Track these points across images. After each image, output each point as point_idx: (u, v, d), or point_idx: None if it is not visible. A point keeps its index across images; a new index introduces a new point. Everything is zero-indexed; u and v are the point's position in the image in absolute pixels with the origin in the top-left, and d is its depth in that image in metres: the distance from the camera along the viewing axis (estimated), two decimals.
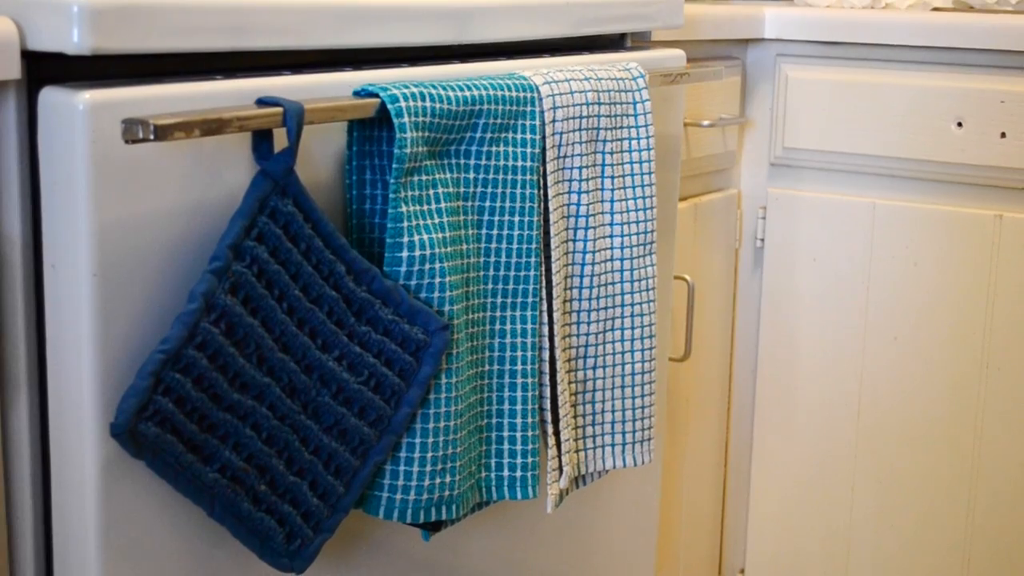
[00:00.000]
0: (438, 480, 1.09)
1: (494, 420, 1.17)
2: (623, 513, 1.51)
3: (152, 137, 0.85)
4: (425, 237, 1.06)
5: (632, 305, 1.28)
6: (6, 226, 0.91)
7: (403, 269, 1.06)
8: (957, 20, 1.65)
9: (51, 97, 0.89)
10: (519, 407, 1.17)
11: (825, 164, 1.77)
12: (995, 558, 1.72)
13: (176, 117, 0.87)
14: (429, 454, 1.08)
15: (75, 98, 0.88)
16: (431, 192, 1.09)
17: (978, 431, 1.70)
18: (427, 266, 1.07)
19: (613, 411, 1.29)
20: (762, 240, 1.82)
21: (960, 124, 1.66)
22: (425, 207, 1.08)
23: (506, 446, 1.18)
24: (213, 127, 0.90)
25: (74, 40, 0.88)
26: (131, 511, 0.95)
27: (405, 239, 1.06)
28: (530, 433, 1.17)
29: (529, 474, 1.17)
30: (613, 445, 1.29)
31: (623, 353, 1.28)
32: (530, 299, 1.18)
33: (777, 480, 1.85)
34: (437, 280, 1.07)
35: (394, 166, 1.05)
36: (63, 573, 0.96)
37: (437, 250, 1.07)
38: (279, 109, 0.95)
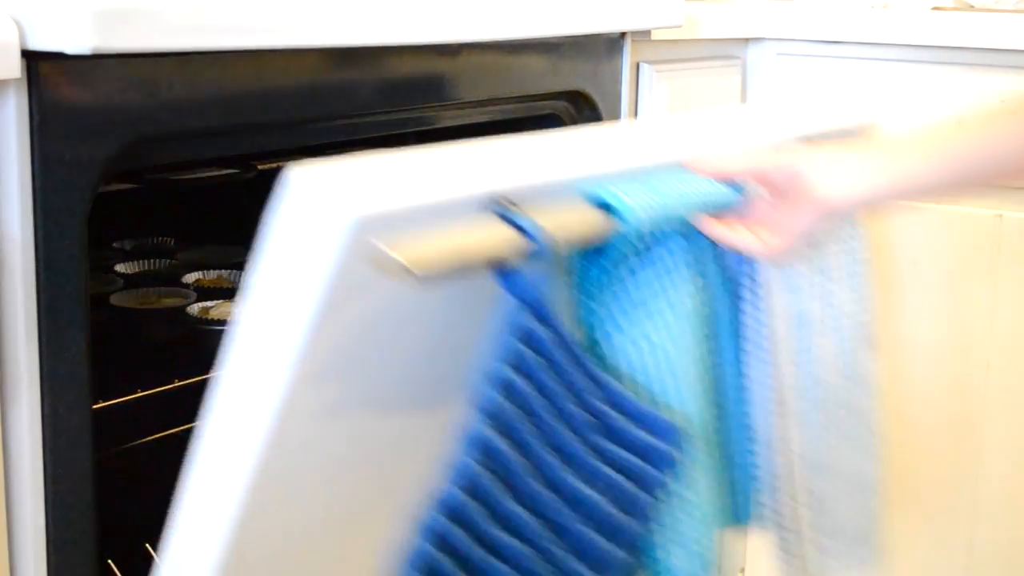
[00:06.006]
0: (704, 546, 1.05)
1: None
2: None
3: (409, 282, 0.79)
4: (644, 344, 1.00)
5: (854, 402, 1.20)
6: (6, 226, 0.91)
7: (632, 372, 0.99)
8: (957, 19, 1.65)
9: (302, 188, 0.80)
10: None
11: None
12: (996, 558, 1.71)
13: (432, 262, 0.80)
14: (701, 524, 1.04)
15: (333, 204, 0.79)
16: (651, 295, 1.02)
17: (979, 431, 1.70)
18: (650, 372, 1.00)
19: (840, 515, 1.21)
20: None
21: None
22: (641, 310, 1.01)
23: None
24: (469, 266, 0.83)
25: (74, 40, 0.88)
26: None
27: (617, 339, 0.99)
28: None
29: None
30: (840, 551, 1.22)
31: (848, 453, 1.21)
32: (741, 407, 1.13)
33: None
34: (666, 382, 1.01)
35: (609, 275, 0.98)
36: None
37: (658, 354, 1.01)
38: (531, 244, 0.87)
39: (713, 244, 1.06)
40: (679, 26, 1.51)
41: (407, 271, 0.79)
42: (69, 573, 0.99)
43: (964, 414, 1.70)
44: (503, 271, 0.89)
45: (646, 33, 1.52)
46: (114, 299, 1.49)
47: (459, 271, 0.83)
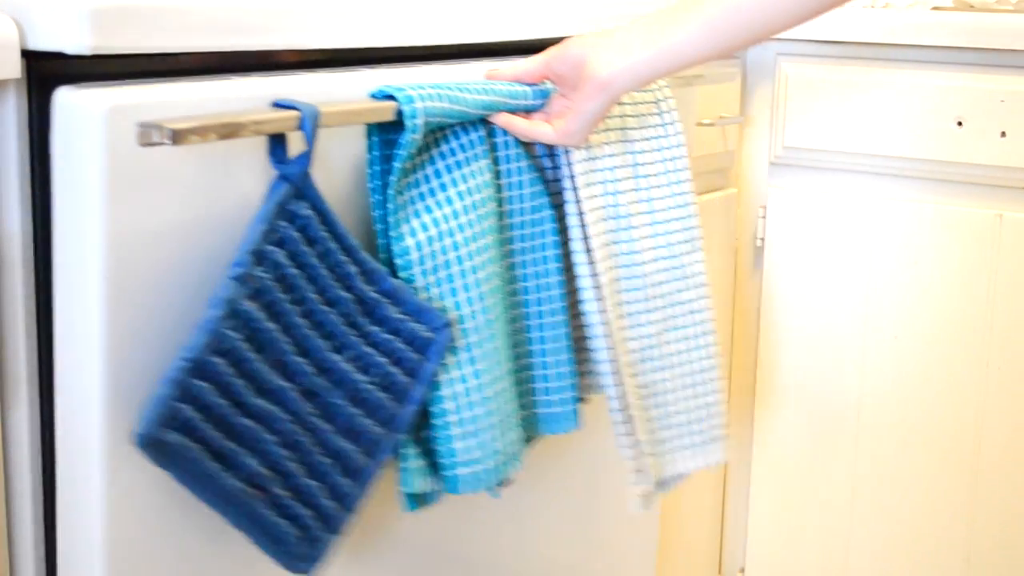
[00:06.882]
0: (501, 441, 1.11)
1: (536, 360, 1.20)
2: (623, 512, 1.50)
3: (168, 141, 0.85)
4: (433, 231, 1.06)
5: (688, 303, 1.27)
6: (7, 224, 0.91)
7: (411, 258, 1.05)
8: (957, 19, 1.65)
9: (67, 98, 0.89)
10: (553, 350, 1.20)
11: (825, 163, 1.77)
12: (996, 557, 1.72)
13: (192, 121, 0.87)
14: (495, 419, 1.10)
15: (93, 101, 0.88)
16: (439, 187, 1.08)
17: (978, 430, 1.70)
18: (437, 259, 1.06)
19: (681, 412, 1.28)
20: (762, 240, 1.82)
21: (960, 123, 1.66)
22: (431, 201, 1.07)
23: (543, 384, 1.20)
24: (229, 131, 0.89)
25: (74, 40, 0.88)
26: (137, 515, 0.95)
27: (406, 228, 1.05)
28: (567, 369, 1.20)
29: (570, 408, 1.20)
30: (686, 448, 1.28)
31: (686, 352, 1.27)
32: (557, 304, 1.19)
33: (777, 480, 1.85)
34: (452, 271, 1.07)
35: (396, 165, 1.04)
36: (66, 574, 0.96)
37: (446, 241, 1.07)
38: (295, 113, 0.94)
39: (516, 140, 1.15)
40: None
41: (164, 131, 0.85)
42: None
43: (964, 413, 1.70)
44: (275, 149, 0.96)
45: None
46: None
47: (223, 136, 0.89)
